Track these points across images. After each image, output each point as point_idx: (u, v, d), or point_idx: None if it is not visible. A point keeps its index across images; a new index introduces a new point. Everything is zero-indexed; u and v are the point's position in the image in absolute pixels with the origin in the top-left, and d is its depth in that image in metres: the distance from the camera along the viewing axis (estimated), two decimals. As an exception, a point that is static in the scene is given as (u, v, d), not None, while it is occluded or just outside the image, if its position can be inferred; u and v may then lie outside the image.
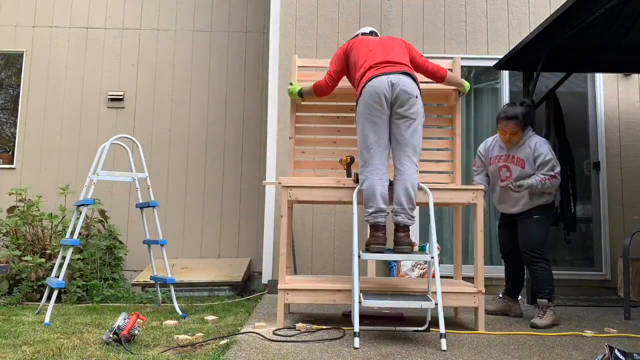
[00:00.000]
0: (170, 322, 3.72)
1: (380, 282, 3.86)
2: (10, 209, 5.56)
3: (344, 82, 3.94)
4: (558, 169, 3.80)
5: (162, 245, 4.47)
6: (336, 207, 5.38)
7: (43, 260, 4.98)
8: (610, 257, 5.29)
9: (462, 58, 5.41)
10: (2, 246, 5.50)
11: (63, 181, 6.16)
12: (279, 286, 3.51)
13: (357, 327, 3.04)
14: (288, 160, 3.95)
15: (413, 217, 3.36)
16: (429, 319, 3.44)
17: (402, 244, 3.31)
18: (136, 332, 3.10)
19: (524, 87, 5.02)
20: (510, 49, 5.11)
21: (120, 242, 5.89)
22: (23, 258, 4.99)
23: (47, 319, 3.78)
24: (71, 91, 6.45)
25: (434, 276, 3.22)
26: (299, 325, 3.42)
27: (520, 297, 5.03)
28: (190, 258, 6.17)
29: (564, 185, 4.86)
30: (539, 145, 3.83)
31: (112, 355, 2.81)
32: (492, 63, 5.32)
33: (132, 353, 2.85)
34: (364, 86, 3.38)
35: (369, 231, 3.38)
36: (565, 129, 5.03)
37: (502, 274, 5.29)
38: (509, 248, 4.07)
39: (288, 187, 3.59)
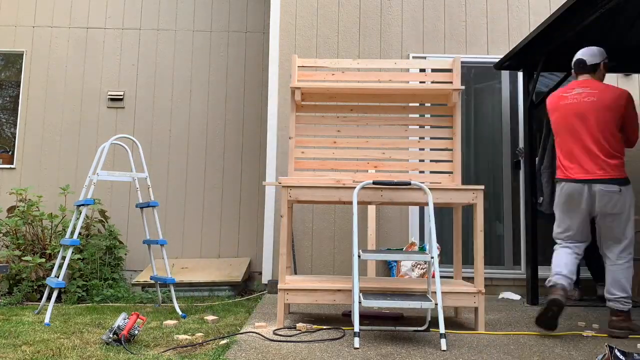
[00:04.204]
0: (170, 322, 3.72)
1: (380, 282, 3.86)
2: (10, 209, 5.56)
3: (343, 83, 3.94)
4: None
5: (162, 245, 4.47)
6: (336, 207, 5.38)
7: (43, 260, 4.98)
8: (610, 257, 5.28)
9: (462, 58, 5.42)
10: (2, 246, 5.51)
11: (63, 181, 6.16)
12: (279, 286, 3.51)
13: (357, 327, 3.04)
14: (288, 160, 3.95)
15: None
16: (429, 319, 3.44)
17: (613, 327, 3.39)
18: (136, 332, 3.10)
19: (524, 87, 5.02)
20: (510, 49, 5.11)
21: (120, 242, 5.89)
22: (23, 258, 4.99)
23: (47, 319, 3.78)
24: (71, 91, 6.45)
25: (434, 276, 3.22)
26: (299, 325, 3.43)
27: (520, 297, 5.04)
28: (190, 258, 6.17)
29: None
30: None
31: (112, 355, 2.82)
32: (492, 63, 5.32)
33: (132, 353, 2.85)
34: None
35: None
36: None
37: (503, 274, 5.31)
38: None
39: (288, 187, 3.60)
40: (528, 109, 4.87)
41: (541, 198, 4.89)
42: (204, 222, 6.28)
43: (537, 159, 4.98)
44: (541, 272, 4.83)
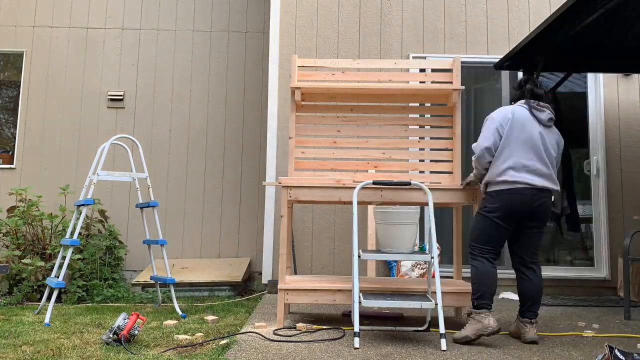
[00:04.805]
0: (170, 322, 3.72)
1: (380, 282, 3.86)
2: (10, 209, 5.56)
3: (343, 83, 3.94)
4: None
5: (162, 245, 4.47)
6: (336, 207, 5.38)
7: (43, 263, 4.97)
8: (610, 257, 5.28)
9: (462, 58, 5.41)
10: (2, 246, 5.50)
11: (63, 181, 6.16)
12: (279, 286, 3.51)
13: (357, 327, 3.04)
14: (288, 160, 3.95)
15: None
16: (428, 319, 3.44)
17: None
18: (136, 332, 3.10)
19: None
20: (510, 49, 5.11)
21: (120, 242, 5.89)
22: (22, 261, 4.98)
23: (47, 319, 3.78)
24: (71, 91, 6.45)
25: (434, 276, 3.22)
26: (299, 325, 3.43)
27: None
28: (190, 258, 6.17)
29: (567, 185, 4.86)
30: None
31: (112, 355, 2.82)
32: (492, 63, 5.32)
33: (132, 353, 2.85)
34: None
35: None
36: (565, 129, 5.03)
37: (503, 274, 5.29)
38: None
39: (288, 187, 3.60)
40: (528, 109, 4.86)
41: (553, 197, 4.82)
42: (204, 222, 6.28)
43: None
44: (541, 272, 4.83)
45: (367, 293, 3.38)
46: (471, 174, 3.55)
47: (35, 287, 4.98)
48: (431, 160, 4.05)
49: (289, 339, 3.15)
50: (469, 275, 3.91)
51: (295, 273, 5.22)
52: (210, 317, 3.89)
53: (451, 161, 3.89)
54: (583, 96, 5.58)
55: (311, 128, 4.01)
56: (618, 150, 5.44)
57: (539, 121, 3.30)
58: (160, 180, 6.29)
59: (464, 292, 3.50)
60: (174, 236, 6.20)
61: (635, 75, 5.53)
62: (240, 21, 6.58)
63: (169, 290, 4.52)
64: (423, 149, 4.07)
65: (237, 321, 3.88)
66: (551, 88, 5.12)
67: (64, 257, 4.28)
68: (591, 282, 5.28)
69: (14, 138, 6.40)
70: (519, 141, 3.26)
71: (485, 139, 3.32)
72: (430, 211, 3.36)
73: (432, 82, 4.02)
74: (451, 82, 3.88)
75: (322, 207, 5.38)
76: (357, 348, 2.95)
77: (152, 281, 4.65)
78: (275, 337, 3.18)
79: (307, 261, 5.31)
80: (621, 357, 2.44)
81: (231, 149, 6.39)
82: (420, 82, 4.29)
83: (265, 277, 5.29)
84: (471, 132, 5.61)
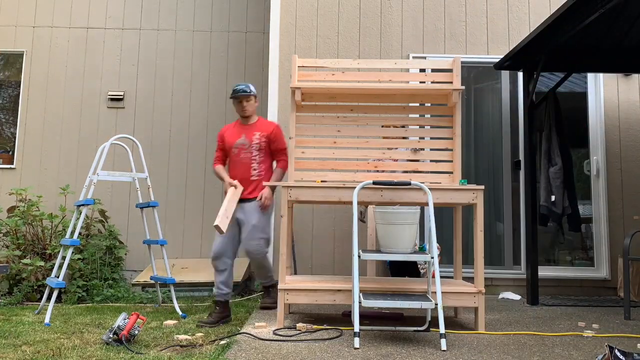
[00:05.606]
0: (170, 322, 3.72)
1: (380, 282, 3.86)
2: (11, 209, 5.56)
3: (343, 83, 3.94)
4: None
5: (162, 245, 4.47)
6: (336, 207, 5.38)
7: (42, 263, 4.97)
8: (610, 257, 5.29)
9: (462, 58, 5.42)
10: (2, 246, 5.51)
11: (63, 181, 6.16)
12: (279, 286, 3.51)
13: (357, 327, 3.04)
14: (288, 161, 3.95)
15: None
16: (429, 319, 3.44)
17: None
18: (136, 332, 3.11)
19: (524, 87, 5.02)
20: (510, 49, 5.11)
21: (120, 242, 5.89)
22: (22, 261, 4.98)
23: (47, 319, 3.79)
24: (71, 91, 6.45)
25: (434, 276, 3.22)
26: (299, 325, 3.43)
27: (520, 297, 5.03)
28: (190, 258, 6.17)
29: (568, 185, 4.85)
30: None
31: (112, 355, 2.82)
32: (492, 63, 5.33)
33: (132, 352, 2.86)
34: None
35: None
36: (565, 129, 5.03)
37: (503, 274, 5.31)
38: None
39: (288, 187, 3.60)
40: (528, 109, 4.87)
41: (553, 197, 4.82)
42: (204, 222, 6.28)
43: (541, 158, 4.94)
44: (541, 272, 4.83)
45: (367, 293, 3.39)
46: None
47: (35, 287, 4.98)
48: (431, 160, 4.05)
49: (289, 339, 3.15)
50: (469, 275, 3.92)
51: (295, 273, 5.22)
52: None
53: (451, 161, 3.89)
54: (583, 96, 5.59)
55: (311, 128, 4.01)
56: (618, 150, 5.44)
57: None
58: (160, 180, 6.29)
59: (464, 292, 3.50)
60: (174, 236, 6.20)
61: (635, 75, 5.53)
62: (240, 21, 6.58)
63: (169, 290, 4.52)
64: (423, 149, 4.07)
65: (237, 321, 3.88)
66: (551, 88, 5.13)
67: (64, 257, 4.28)
68: (591, 282, 5.29)
69: (14, 138, 6.40)
70: None
71: None
72: (430, 211, 3.36)
73: (432, 82, 4.02)
74: (451, 82, 3.88)
75: (322, 207, 5.38)
76: (357, 348, 2.95)
77: (152, 281, 4.65)
78: (276, 337, 3.18)
79: (307, 261, 5.31)
80: (621, 357, 2.45)
81: (231, 149, 6.38)
82: (420, 82, 4.30)
83: (265, 277, 5.28)
84: (471, 132, 5.61)
